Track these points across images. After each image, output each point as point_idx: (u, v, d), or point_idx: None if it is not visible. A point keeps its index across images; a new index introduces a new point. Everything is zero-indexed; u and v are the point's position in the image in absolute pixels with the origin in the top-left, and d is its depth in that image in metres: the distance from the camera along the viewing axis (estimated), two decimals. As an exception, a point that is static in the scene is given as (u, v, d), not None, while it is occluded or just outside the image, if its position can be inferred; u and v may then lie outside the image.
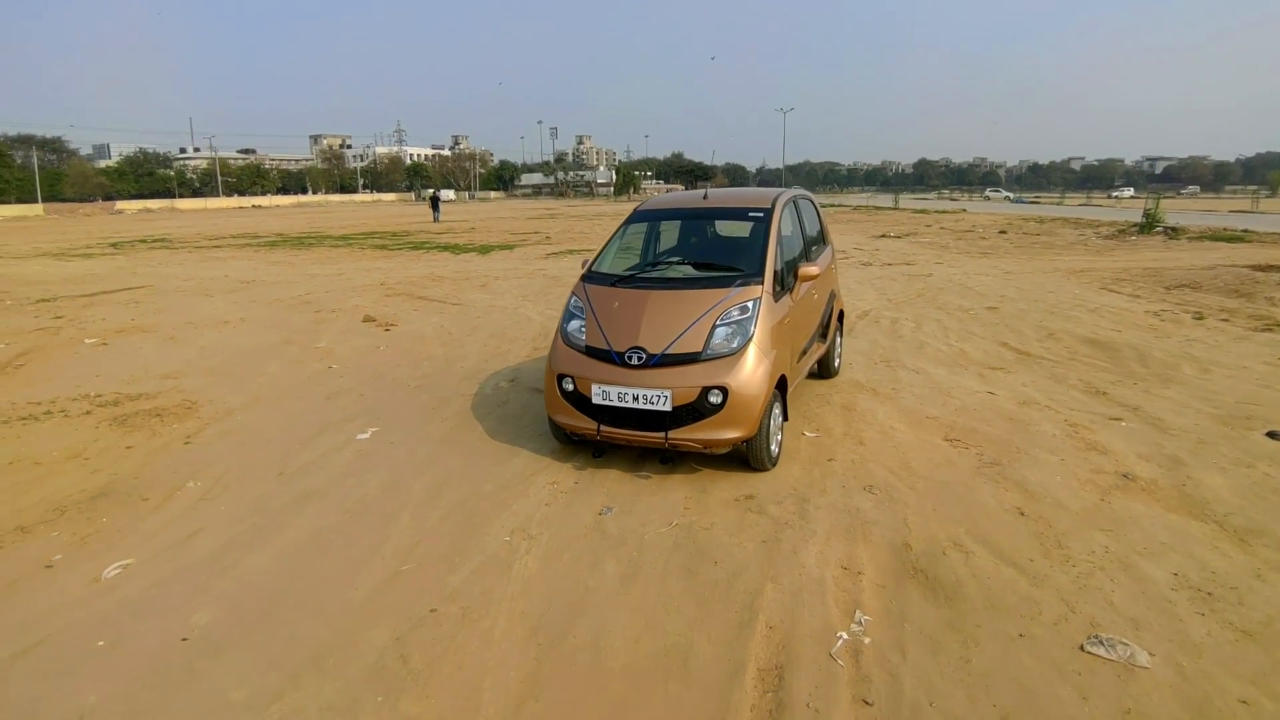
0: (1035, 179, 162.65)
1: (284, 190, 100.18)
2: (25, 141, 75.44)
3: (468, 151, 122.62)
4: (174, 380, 7.53)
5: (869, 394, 6.26)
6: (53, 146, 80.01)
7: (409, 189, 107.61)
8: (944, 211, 40.96)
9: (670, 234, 5.91)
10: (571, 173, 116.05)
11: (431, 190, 63.31)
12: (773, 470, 4.64)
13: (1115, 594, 3.20)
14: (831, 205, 55.18)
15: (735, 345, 4.43)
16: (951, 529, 3.81)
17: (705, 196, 5.71)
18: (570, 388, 4.67)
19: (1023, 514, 3.99)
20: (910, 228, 27.81)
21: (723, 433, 4.35)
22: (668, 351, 4.44)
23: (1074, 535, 3.74)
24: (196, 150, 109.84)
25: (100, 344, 9.42)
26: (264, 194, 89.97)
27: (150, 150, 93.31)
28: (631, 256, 5.40)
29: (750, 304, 4.55)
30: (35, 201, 65.08)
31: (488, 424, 5.75)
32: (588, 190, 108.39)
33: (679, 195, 6.12)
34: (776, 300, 4.75)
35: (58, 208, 62.82)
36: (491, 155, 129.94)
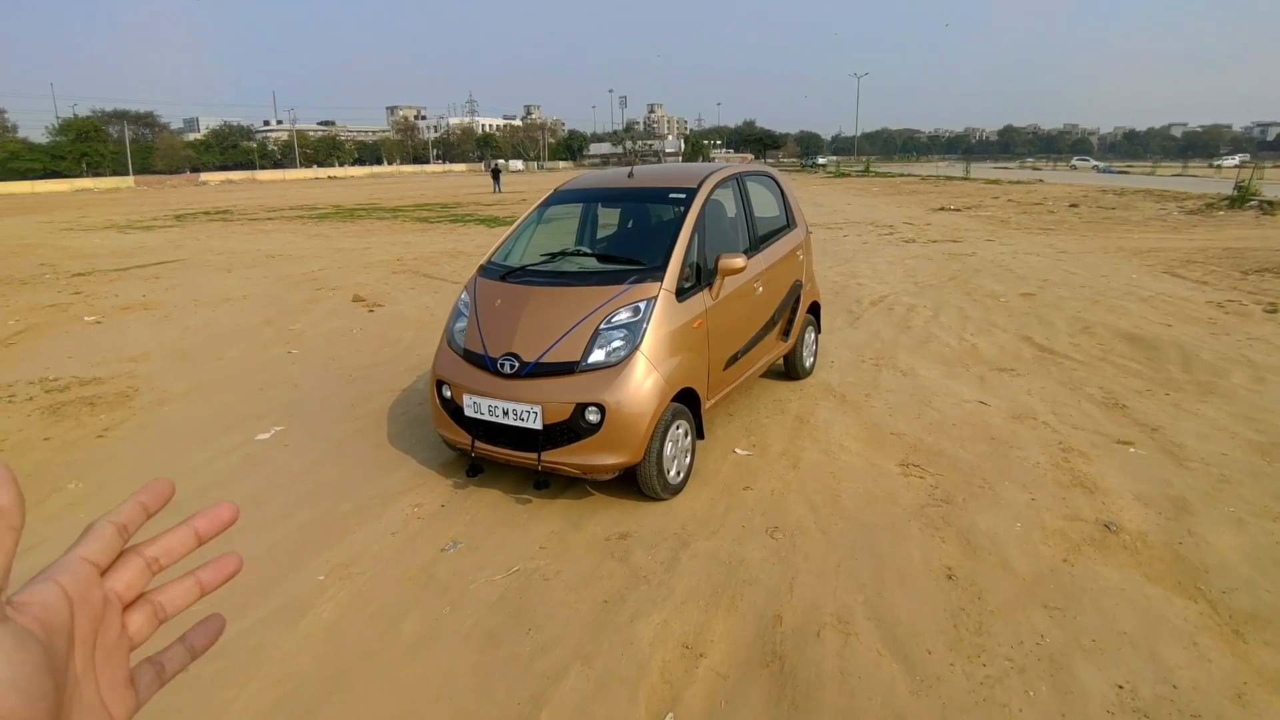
0: (1131, 147, 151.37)
1: (359, 161, 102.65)
2: (120, 117, 79.43)
3: (538, 121, 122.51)
4: (135, 364, 7.32)
5: (835, 401, 5.42)
6: (145, 121, 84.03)
7: (479, 159, 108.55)
8: (1018, 182, 38.05)
9: (587, 219, 5.17)
10: (640, 142, 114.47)
11: (495, 161, 63.46)
12: (670, 500, 3.93)
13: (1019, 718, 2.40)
14: (899, 175, 52.39)
15: (619, 354, 3.72)
16: (847, 596, 3.04)
17: (630, 175, 4.93)
18: (448, 395, 4.07)
19: (951, 577, 3.17)
20: (974, 200, 25.81)
21: (601, 457, 3.67)
22: (541, 360, 3.77)
23: (1005, 614, 2.91)
24: (279, 123, 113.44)
25: (96, 322, 9.37)
26: (340, 165, 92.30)
27: (235, 123, 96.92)
28: (542, 245, 4.69)
29: (643, 305, 3.82)
30: (128, 174, 68.57)
31: (395, 426, 5.21)
32: (655, 159, 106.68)
33: (603, 174, 5.37)
34: (683, 299, 3.99)
35: (147, 179, 65.96)
36: (563, 124, 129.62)
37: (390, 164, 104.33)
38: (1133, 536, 3.47)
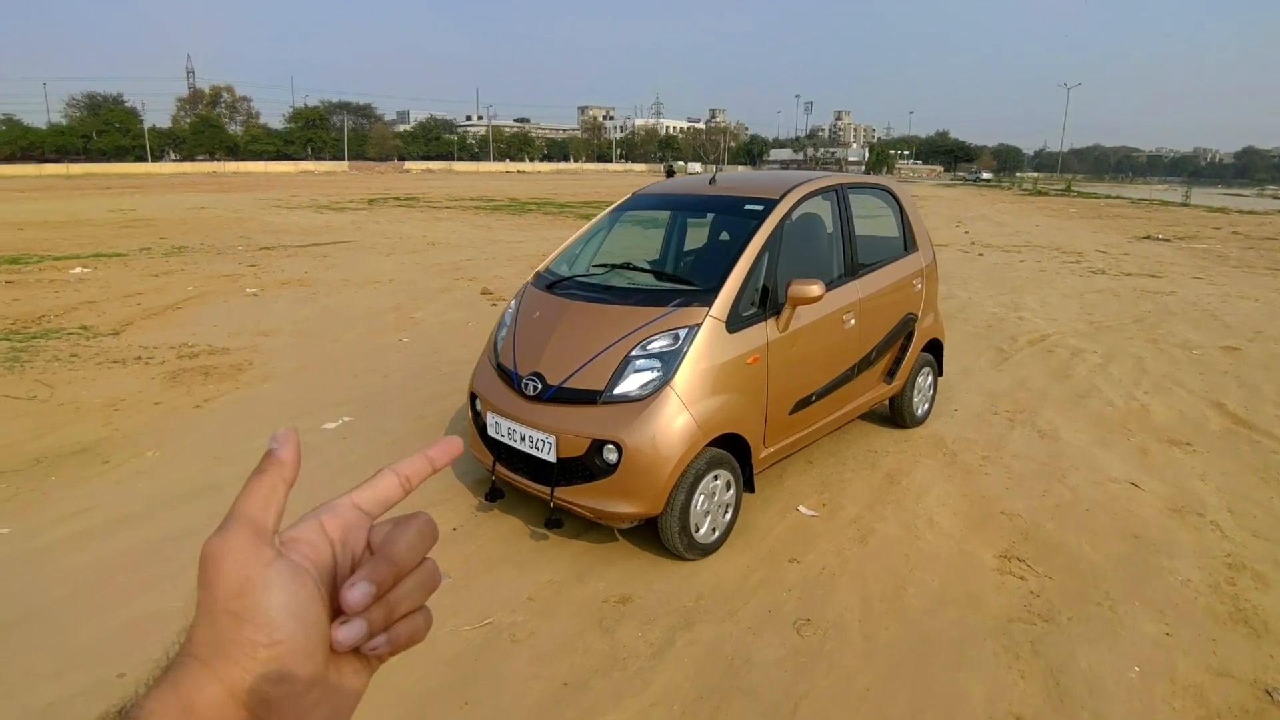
0: None
1: (547, 157, 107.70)
2: (343, 107, 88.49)
3: (720, 125, 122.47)
4: (264, 338, 7.75)
5: (942, 460, 4.55)
6: (364, 112, 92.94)
7: (660, 160, 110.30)
8: (1250, 212, 32.47)
9: (674, 228, 4.64)
10: (822, 149, 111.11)
11: (671, 162, 64.09)
12: (697, 563, 3.37)
13: None
14: (1105, 197, 46.78)
15: (648, 388, 3.21)
16: (864, 738, 2.35)
17: (712, 182, 4.36)
18: (479, 409, 3.76)
19: (1017, 734, 2.38)
20: (1190, 230, 22.23)
21: (616, 503, 3.19)
22: (565, 384, 3.34)
23: (1082, 805, 2.11)
24: (480, 118, 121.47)
25: (254, 295, 10.14)
26: (528, 160, 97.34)
27: (439, 117, 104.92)
28: (605, 254, 4.24)
29: (682, 332, 3.28)
30: (343, 159, 76.34)
31: (454, 431, 5.01)
32: (837, 168, 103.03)
33: (685, 180, 4.81)
34: (737, 329, 3.40)
35: (359, 165, 73.04)
36: (745, 129, 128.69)
37: (575, 161, 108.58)
38: (1311, 716, 2.48)
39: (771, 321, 3.55)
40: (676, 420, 3.14)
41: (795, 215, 3.88)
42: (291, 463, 0.46)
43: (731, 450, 3.46)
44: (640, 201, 4.48)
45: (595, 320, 3.49)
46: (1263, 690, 2.59)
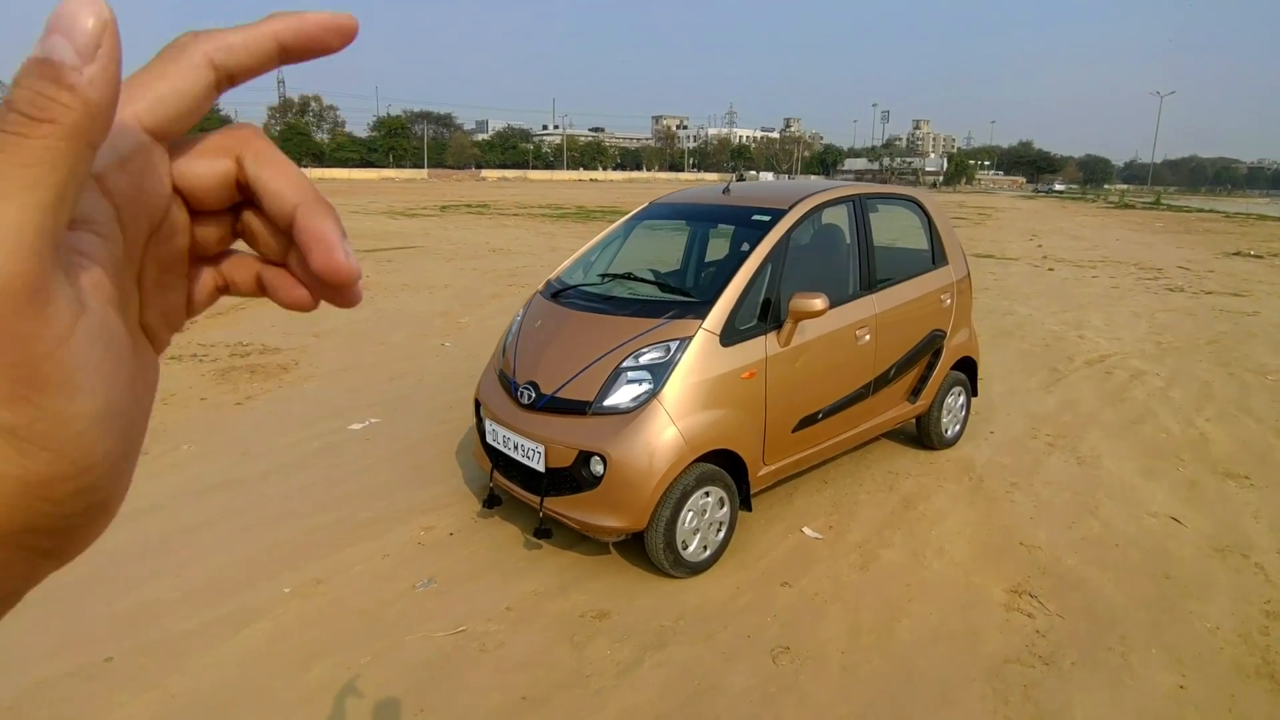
0: None
1: (620, 166, 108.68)
2: (424, 117, 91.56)
3: (794, 134, 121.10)
4: (315, 339, 8.04)
5: (966, 486, 4.33)
6: (444, 122, 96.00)
7: (732, 169, 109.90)
8: None
9: (696, 238, 4.57)
10: (898, 159, 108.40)
11: (742, 171, 63.79)
12: (687, 579, 3.28)
13: None
14: (1197, 210, 44.05)
15: (638, 400, 3.16)
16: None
17: (726, 190, 4.27)
18: (481, 415, 3.79)
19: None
20: (1295, 246, 20.71)
21: (601, 516, 3.15)
22: (557, 394, 3.32)
23: None
24: (556, 127, 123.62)
25: (316, 296, 10.55)
26: (601, 169, 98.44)
27: (516, 126, 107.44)
28: (616, 263, 4.20)
29: (674, 344, 3.21)
30: (423, 167, 78.88)
31: (470, 436, 5.05)
32: (913, 178, 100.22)
33: (701, 189, 4.71)
34: (732, 342, 3.31)
35: (438, 173, 75.27)
36: (820, 138, 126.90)
37: (648, 170, 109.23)
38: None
39: (773, 335, 3.45)
40: (663, 434, 3.08)
41: (806, 226, 3.77)
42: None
43: (727, 467, 3.37)
44: (656, 211, 4.44)
45: (592, 330, 3.47)
46: (1282, 757, 2.35)
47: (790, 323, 3.44)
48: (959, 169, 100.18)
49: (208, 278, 0.34)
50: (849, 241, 4.09)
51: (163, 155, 0.29)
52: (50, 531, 0.25)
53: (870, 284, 4.05)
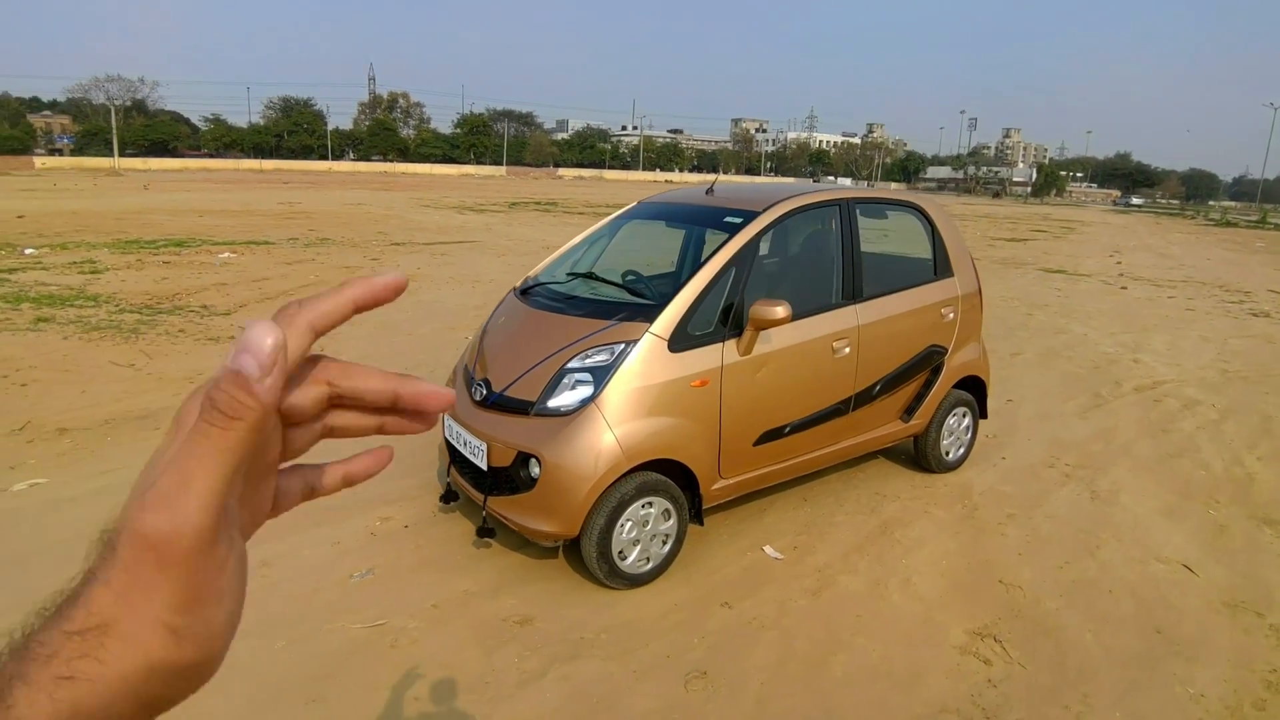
0: None
1: (696, 168, 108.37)
2: (505, 115, 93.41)
3: (876, 140, 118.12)
4: (348, 327, 7.78)
5: (956, 514, 4.04)
6: (525, 120, 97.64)
7: (810, 174, 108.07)
8: None
9: (690, 240, 4.41)
10: (985, 168, 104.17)
11: (816, 176, 62.64)
12: (625, 591, 3.16)
13: None
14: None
15: (576, 402, 3.05)
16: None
17: (709, 192, 4.10)
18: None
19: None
20: None
21: (534, 519, 3.07)
22: (505, 392, 3.26)
23: None
24: (635, 128, 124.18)
25: (364, 285, 10.87)
26: (678, 171, 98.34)
27: (595, 126, 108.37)
28: (596, 263, 4.10)
29: (619, 348, 3.09)
30: (502, 164, 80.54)
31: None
32: (999, 189, 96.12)
33: (685, 190, 4.54)
34: (682, 348, 3.17)
35: (516, 170, 76.71)
36: (904, 145, 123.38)
37: (724, 173, 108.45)
38: None
39: (732, 343, 3.29)
40: (599, 439, 2.97)
41: (783, 231, 3.59)
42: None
43: (676, 478, 3.24)
44: (642, 210, 4.32)
45: (545, 329, 3.39)
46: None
47: (750, 331, 3.27)
48: (1049, 180, 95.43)
49: (289, 482, 0.44)
50: (832, 248, 3.88)
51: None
52: (171, 699, 0.35)
53: (855, 293, 3.82)
